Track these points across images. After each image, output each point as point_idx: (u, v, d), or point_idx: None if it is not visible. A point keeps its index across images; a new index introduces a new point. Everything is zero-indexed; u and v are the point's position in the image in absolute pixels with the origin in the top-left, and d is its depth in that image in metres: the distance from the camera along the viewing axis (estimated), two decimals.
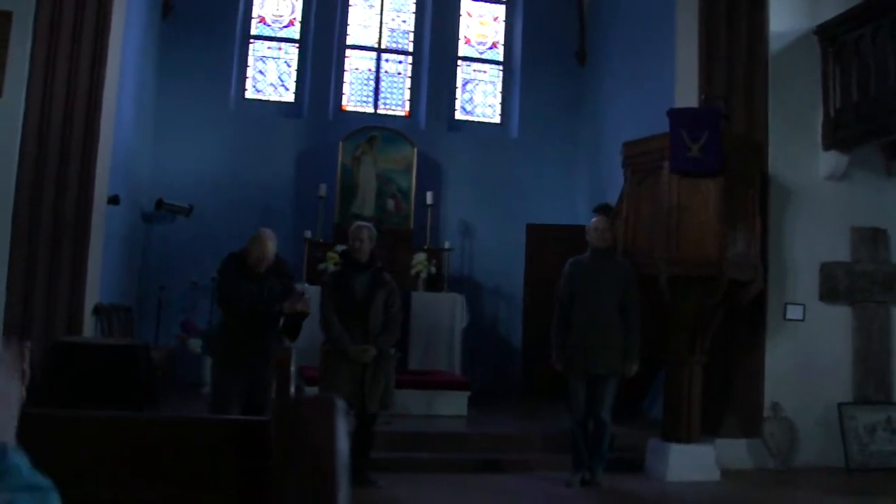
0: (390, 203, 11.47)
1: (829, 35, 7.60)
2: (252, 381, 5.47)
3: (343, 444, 1.31)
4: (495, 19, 13.13)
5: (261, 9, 12.29)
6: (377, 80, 12.56)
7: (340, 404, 1.37)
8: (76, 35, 6.90)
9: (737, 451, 7.28)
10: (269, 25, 12.30)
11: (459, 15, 12.92)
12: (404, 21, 12.77)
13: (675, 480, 6.66)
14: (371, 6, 12.64)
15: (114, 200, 7.88)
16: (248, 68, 12.13)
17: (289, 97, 12.21)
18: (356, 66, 12.53)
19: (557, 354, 6.57)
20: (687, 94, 7.72)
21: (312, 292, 6.61)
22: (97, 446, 1.85)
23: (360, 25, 12.58)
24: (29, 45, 6.70)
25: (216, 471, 1.87)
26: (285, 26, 12.33)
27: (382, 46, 12.64)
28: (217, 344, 5.96)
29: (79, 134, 6.87)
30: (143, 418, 2.09)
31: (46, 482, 1.29)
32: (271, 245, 5.65)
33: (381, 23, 12.63)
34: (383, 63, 12.63)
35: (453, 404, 8.33)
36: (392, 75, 12.67)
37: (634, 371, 6.47)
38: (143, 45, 10.12)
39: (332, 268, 10.07)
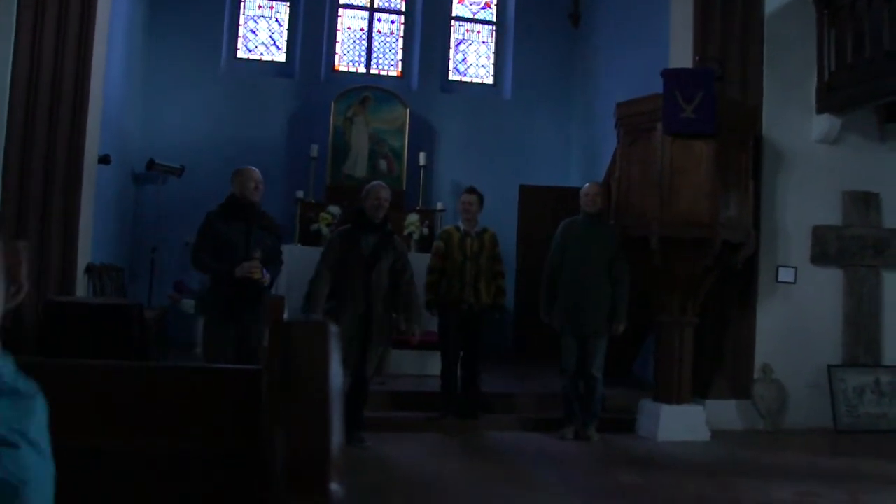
0: (382, 164, 11.42)
1: None
2: (242, 337, 5.61)
3: (337, 367, 1.30)
4: None
5: None
6: (370, 39, 12.44)
7: (334, 329, 1.35)
8: None
9: (727, 411, 7.35)
10: None
11: None
12: None
13: (666, 440, 6.72)
14: None
15: (104, 160, 7.83)
16: (240, 27, 12.00)
17: (280, 57, 12.09)
18: (348, 25, 12.40)
19: (546, 311, 6.87)
20: (681, 56, 7.66)
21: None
22: (89, 395, 1.85)
23: None
24: (15, 4, 6.60)
25: (209, 419, 1.88)
26: None
27: (375, 6, 12.51)
28: (207, 302, 6.00)
29: (68, 93, 6.79)
30: (134, 367, 2.09)
31: (31, 387, 1.16)
32: (254, 171, 6.04)
33: None
34: (376, 23, 12.51)
35: None
36: (385, 35, 12.55)
37: (621, 331, 6.70)
38: (132, 4, 10.00)
39: (325, 229, 10.07)
